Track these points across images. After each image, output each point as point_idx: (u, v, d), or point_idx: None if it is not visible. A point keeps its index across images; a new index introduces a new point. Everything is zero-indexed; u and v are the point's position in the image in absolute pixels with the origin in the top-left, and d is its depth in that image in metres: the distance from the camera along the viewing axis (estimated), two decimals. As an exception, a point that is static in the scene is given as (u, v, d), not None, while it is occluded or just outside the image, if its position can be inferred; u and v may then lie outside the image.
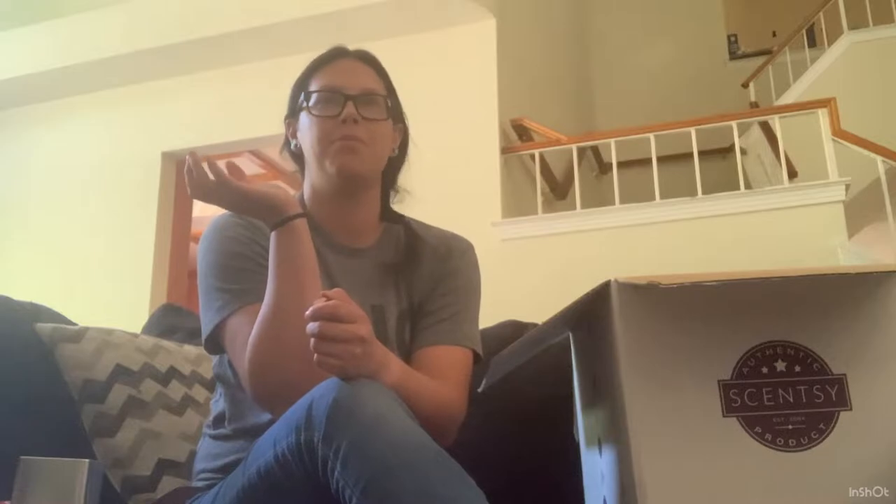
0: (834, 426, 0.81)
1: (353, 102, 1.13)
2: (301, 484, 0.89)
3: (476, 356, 1.18)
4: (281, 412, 0.95)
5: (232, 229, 1.12)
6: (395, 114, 1.21)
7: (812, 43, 6.40)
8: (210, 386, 1.51)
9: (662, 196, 4.10)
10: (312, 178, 1.20)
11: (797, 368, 0.82)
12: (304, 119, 1.18)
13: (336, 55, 1.21)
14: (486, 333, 1.27)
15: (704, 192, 4.08)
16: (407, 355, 1.15)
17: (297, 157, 1.23)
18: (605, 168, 5.95)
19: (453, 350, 1.15)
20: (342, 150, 1.13)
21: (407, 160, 1.26)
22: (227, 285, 1.08)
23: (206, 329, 1.10)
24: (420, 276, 1.20)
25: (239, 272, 1.09)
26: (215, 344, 1.11)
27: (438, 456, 0.85)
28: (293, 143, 1.22)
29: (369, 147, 1.14)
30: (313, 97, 1.16)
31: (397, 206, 1.27)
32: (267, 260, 1.06)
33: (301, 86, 1.20)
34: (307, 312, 0.90)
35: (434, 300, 1.18)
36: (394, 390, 0.93)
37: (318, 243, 1.17)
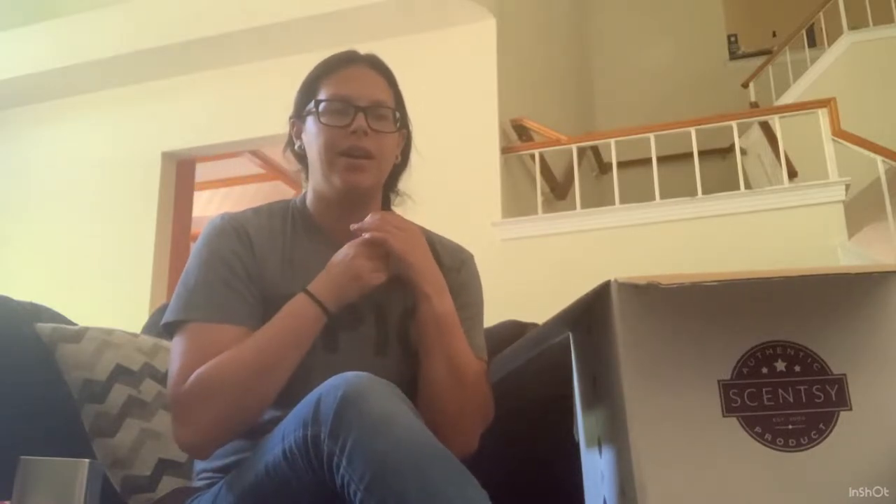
0: (834, 426, 0.80)
1: (363, 114, 1.13)
2: (306, 479, 0.89)
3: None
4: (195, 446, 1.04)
5: (233, 240, 1.13)
6: (402, 122, 1.21)
7: (812, 43, 6.40)
8: (210, 386, 1.51)
9: (662, 196, 4.10)
10: (316, 182, 1.19)
11: (797, 368, 0.82)
12: (311, 124, 1.17)
13: (348, 61, 1.20)
14: (487, 333, 1.27)
15: (704, 192, 4.08)
16: (409, 355, 1.15)
17: (301, 157, 1.23)
18: (605, 168, 5.96)
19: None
20: (349, 168, 1.13)
21: (408, 166, 1.26)
22: (206, 290, 1.09)
23: (168, 316, 1.10)
24: None
25: (222, 284, 1.09)
26: (171, 333, 1.12)
27: (442, 455, 0.85)
28: (297, 143, 1.22)
29: (376, 161, 1.15)
30: (322, 105, 1.15)
31: (397, 209, 1.27)
32: (245, 286, 1.09)
33: (310, 89, 1.19)
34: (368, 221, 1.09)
35: None
36: (437, 322, 1.07)
37: (320, 244, 1.17)
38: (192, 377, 1.02)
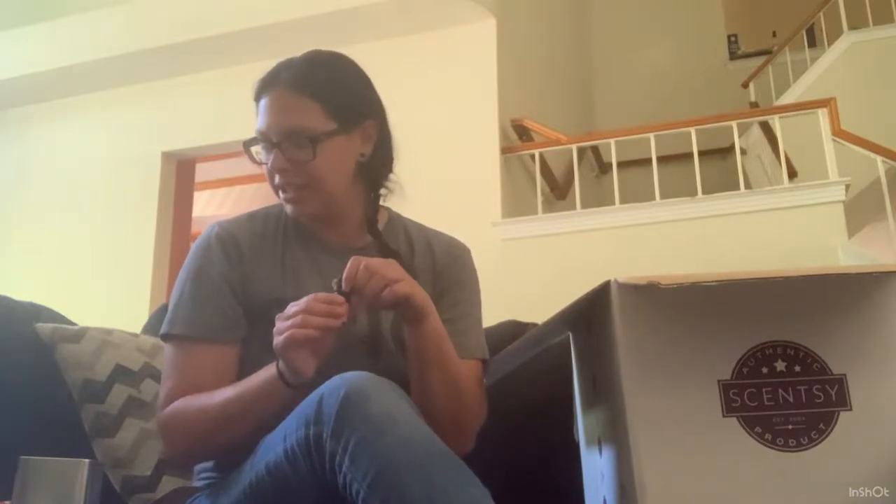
0: (834, 426, 0.81)
1: (278, 150, 1.11)
2: (308, 479, 0.89)
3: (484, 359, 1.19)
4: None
5: (219, 256, 1.13)
6: (349, 122, 1.13)
7: (812, 43, 6.39)
8: (210, 386, 1.51)
9: (662, 196, 4.10)
10: None
11: (797, 368, 0.82)
12: None
13: (264, 88, 1.15)
14: (486, 333, 1.27)
15: (704, 192, 4.08)
16: (403, 352, 1.14)
17: None
18: (605, 168, 5.95)
19: (465, 364, 1.15)
20: (289, 202, 1.15)
21: (395, 155, 1.21)
22: (196, 305, 1.11)
23: (165, 326, 1.12)
24: (422, 277, 1.19)
25: (204, 303, 1.11)
26: (164, 341, 1.14)
27: (445, 454, 0.85)
28: None
29: (311, 188, 1.12)
30: (252, 143, 1.18)
31: (392, 201, 1.25)
32: (229, 302, 1.10)
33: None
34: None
35: (442, 311, 1.14)
36: (437, 338, 1.04)
37: (312, 247, 1.17)
38: (170, 409, 1.06)
